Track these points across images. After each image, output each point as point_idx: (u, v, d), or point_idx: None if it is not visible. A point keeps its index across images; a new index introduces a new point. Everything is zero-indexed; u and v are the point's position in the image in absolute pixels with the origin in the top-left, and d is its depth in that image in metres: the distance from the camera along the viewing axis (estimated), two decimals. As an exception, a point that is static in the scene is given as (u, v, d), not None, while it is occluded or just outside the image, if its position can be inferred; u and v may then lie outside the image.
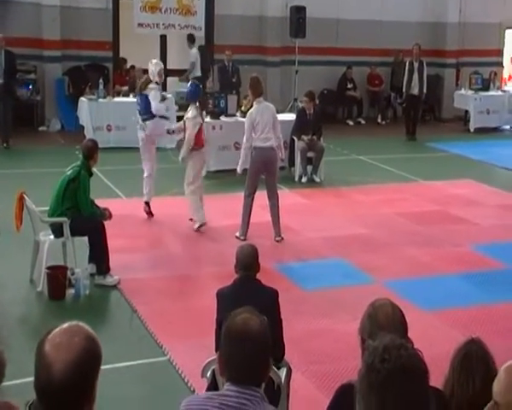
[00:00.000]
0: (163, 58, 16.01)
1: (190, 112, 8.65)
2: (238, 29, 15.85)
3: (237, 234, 8.27)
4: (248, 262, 4.54)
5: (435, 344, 5.59)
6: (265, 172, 8.31)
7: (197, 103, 8.72)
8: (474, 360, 3.08)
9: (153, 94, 9.08)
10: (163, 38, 15.90)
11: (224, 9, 15.82)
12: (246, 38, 16.00)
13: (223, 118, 11.67)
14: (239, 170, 8.32)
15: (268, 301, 4.39)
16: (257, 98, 8.22)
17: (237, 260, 4.59)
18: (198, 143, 8.62)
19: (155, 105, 9.01)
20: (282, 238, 8.36)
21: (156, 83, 9.13)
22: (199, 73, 15.14)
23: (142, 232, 8.60)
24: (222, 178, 11.07)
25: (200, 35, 15.24)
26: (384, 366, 1.87)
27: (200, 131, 8.67)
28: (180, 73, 15.65)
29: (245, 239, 8.00)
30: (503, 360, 3.15)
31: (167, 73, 15.82)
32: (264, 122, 8.05)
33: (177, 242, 8.38)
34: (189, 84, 9.37)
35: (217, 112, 11.67)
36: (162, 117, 9.23)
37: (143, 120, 9.04)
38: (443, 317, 6.54)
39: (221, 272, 6.71)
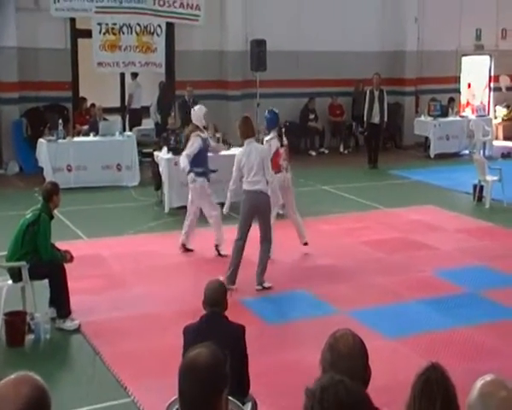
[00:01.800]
0: (122, 96, 16.08)
1: (269, 136, 8.85)
2: (199, 64, 15.94)
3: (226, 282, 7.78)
4: (215, 298, 4.54)
5: (400, 371, 5.61)
6: (256, 216, 7.94)
7: (276, 130, 8.96)
8: (434, 386, 3.06)
9: (189, 143, 9.03)
10: (122, 76, 15.91)
11: (185, 45, 15.91)
12: (207, 73, 16.09)
13: (185, 154, 11.65)
14: (225, 211, 8.22)
15: (234, 338, 4.40)
16: (245, 140, 7.89)
17: (205, 295, 4.59)
18: (274, 166, 8.53)
19: (182, 159, 8.97)
20: (263, 287, 7.97)
21: (204, 127, 9.19)
22: (138, 106, 15.59)
23: (104, 273, 8.50)
24: (184, 214, 11.01)
25: (160, 72, 15.31)
26: (323, 407, 1.90)
27: (277, 154, 8.76)
28: (141, 111, 15.71)
29: (233, 288, 7.62)
30: (463, 383, 3.17)
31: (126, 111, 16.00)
32: (251, 164, 7.74)
33: (140, 281, 8.29)
34: (267, 112, 9.42)
35: (179, 148, 11.63)
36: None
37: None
38: (407, 344, 6.57)
39: (186, 310, 6.66)
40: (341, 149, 17.26)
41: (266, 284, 8.04)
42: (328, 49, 17.10)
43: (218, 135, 12.24)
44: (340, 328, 2.81)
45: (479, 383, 2.19)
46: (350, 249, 9.38)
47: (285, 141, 9.17)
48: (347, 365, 2.64)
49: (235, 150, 12.27)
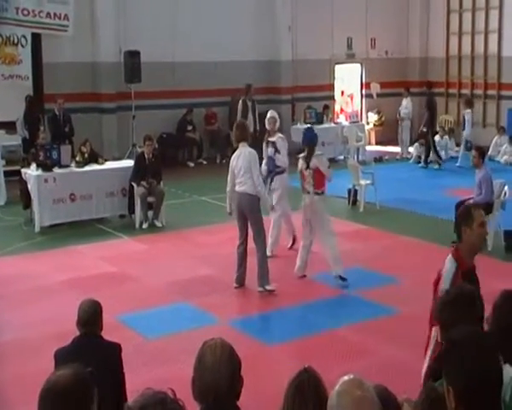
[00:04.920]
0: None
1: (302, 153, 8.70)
2: (70, 76, 15.38)
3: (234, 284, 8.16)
4: (87, 318, 4.37)
5: (278, 378, 5.53)
6: (247, 218, 8.12)
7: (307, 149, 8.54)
8: (306, 390, 3.11)
9: (281, 143, 9.46)
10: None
11: (53, 57, 15.27)
12: (78, 85, 15.56)
13: (56, 170, 11.15)
14: (228, 210, 8.44)
15: (109, 358, 4.28)
16: (238, 143, 8.18)
17: (78, 316, 4.40)
18: (320, 186, 8.37)
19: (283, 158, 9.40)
20: (265, 290, 7.95)
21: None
22: None
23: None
24: (57, 232, 10.58)
25: (27, 85, 14.60)
26: None
27: (302, 176, 8.51)
28: (5, 126, 14.84)
29: (239, 286, 8.07)
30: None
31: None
32: (239, 167, 8.04)
33: (6, 304, 7.79)
34: (305, 129, 9.15)
35: (49, 164, 11.12)
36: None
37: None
38: (286, 349, 6.61)
39: (57, 332, 6.33)
40: (218, 160, 17.17)
41: (269, 287, 7.99)
42: (205, 59, 17.05)
43: (83, 149, 11.70)
44: (213, 337, 2.73)
45: (338, 383, 2.19)
46: (228, 259, 9.23)
47: (314, 163, 8.36)
48: (212, 377, 2.62)
49: (110, 164, 11.96)
